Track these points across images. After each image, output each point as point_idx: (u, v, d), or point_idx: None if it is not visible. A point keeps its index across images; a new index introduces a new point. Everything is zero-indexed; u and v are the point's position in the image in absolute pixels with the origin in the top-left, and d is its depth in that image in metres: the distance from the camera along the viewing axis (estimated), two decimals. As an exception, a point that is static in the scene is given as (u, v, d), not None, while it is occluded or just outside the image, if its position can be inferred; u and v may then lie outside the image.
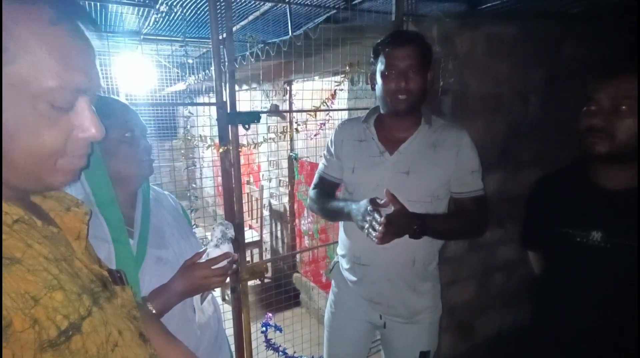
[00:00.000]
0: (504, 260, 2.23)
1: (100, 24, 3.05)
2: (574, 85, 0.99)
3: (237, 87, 4.00)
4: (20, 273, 0.45)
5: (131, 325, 0.63)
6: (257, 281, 3.55)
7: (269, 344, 1.85)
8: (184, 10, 1.95)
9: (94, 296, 0.55)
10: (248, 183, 4.02)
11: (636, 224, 0.90)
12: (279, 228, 3.75)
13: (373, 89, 1.26)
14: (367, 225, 1.07)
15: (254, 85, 3.58)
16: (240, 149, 1.40)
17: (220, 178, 1.43)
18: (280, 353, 1.90)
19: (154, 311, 0.87)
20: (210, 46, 1.34)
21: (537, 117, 2.12)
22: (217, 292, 1.68)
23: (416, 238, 1.11)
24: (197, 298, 1.01)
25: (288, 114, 3.23)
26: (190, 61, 3.37)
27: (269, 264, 3.64)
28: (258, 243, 3.64)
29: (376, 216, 1.05)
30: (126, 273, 0.76)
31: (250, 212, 3.89)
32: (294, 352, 1.95)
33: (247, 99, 3.60)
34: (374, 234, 1.05)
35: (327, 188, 1.38)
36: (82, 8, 0.51)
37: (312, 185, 1.41)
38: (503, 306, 2.31)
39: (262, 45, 2.37)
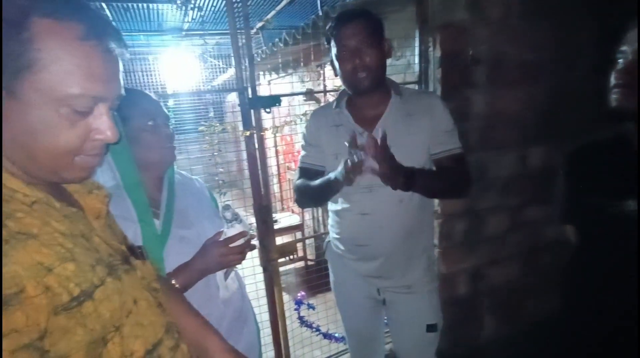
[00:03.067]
0: (552, 239, 2.09)
1: (146, 23, 3.25)
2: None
3: (274, 75, 4.04)
4: (35, 246, 0.51)
5: (149, 295, 0.69)
6: (302, 264, 3.66)
7: (302, 321, 1.93)
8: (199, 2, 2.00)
9: (111, 268, 0.60)
10: (289, 168, 4.10)
11: None
12: (319, 211, 3.80)
13: (336, 75, 1.25)
14: (349, 163, 1.02)
15: (289, 71, 3.62)
16: (280, 135, 1.43)
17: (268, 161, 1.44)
18: (314, 329, 1.96)
19: (177, 286, 0.94)
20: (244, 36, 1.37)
21: (584, 83, 1.92)
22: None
23: (406, 189, 1.10)
24: (220, 275, 1.07)
25: (323, 96, 3.23)
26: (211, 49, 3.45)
27: (312, 246, 3.72)
28: (300, 227, 3.74)
29: (359, 155, 1.01)
30: (151, 251, 0.83)
31: (293, 197, 3.97)
32: (328, 329, 2.00)
33: (285, 85, 3.64)
34: (365, 168, 1.01)
35: (311, 178, 1.34)
36: (111, 26, 0.57)
37: (295, 179, 1.40)
38: (553, 289, 2.18)
39: (292, 30, 2.38)
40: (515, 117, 1.85)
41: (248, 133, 1.42)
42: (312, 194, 1.32)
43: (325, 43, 1.24)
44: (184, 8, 2.78)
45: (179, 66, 3.55)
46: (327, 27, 1.22)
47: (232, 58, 1.42)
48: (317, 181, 1.26)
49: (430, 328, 1.34)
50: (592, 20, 1.85)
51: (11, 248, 0.48)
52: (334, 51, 1.20)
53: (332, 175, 1.16)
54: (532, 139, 1.92)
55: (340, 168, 1.09)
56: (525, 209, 2.01)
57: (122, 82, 0.60)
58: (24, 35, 0.49)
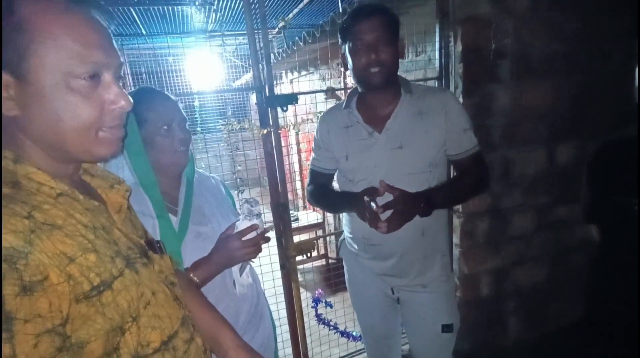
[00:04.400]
0: (582, 239, 2.00)
1: (170, 25, 3.35)
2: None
3: (296, 74, 4.05)
4: (59, 237, 0.53)
5: (167, 288, 0.71)
6: (323, 262, 3.67)
7: (320, 319, 1.93)
8: (219, 2, 2.03)
9: (129, 260, 0.63)
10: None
11: None
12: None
13: (346, 69, 1.23)
14: (367, 220, 1.08)
15: (311, 69, 3.62)
16: (302, 133, 1.46)
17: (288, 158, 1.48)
18: (331, 327, 1.97)
19: (196, 280, 0.96)
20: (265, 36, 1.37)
21: (620, 75, 1.83)
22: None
23: (427, 215, 1.11)
24: (236, 270, 1.08)
25: (344, 94, 3.21)
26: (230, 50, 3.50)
27: (333, 244, 3.72)
28: (321, 225, 3.74)
29: (372, 206, 1.05)
30: (168, 245, 0.86)
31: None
32: (345, 327, 2.00)
33: (306, 84, 3.65)
34: (379, 227, 1.05)
35: (322, 181, 1.38)
36: None
37: (308, 181, 1.42)
38: (580, 291, 2.09)
39: (311, 29, 2.39)
40: (541, 113, 1.78)
41: (265, 131, 1.44)
42: (327, 206, 1.40)
43: (339, 38, 1.22)
44: (204, 10, 2.84)
45: (201, 67, 3.63)
46: (342, 21, 1.20)
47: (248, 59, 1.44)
48: (335, 198, 1.32)
49: (446, 328, 1.31)
50: (621, 12, 1.76)
51: (37, 237, 0.50)
52: (347, 45, 1.18)
53: (351, 204, 1.19)
54: (559, 135, 1.84)
55: (358, 206, 1.12)
56: (552, 208, 1.94)
57: (117, 49, 0.61)
58: (15, 19, 0.51)
